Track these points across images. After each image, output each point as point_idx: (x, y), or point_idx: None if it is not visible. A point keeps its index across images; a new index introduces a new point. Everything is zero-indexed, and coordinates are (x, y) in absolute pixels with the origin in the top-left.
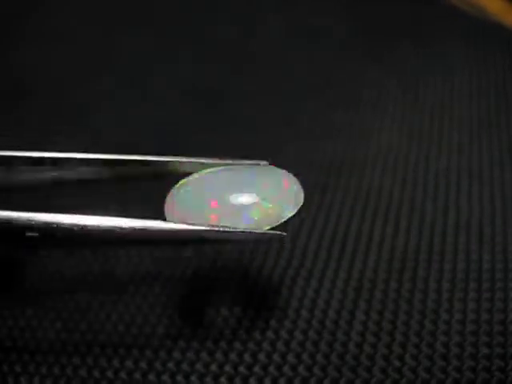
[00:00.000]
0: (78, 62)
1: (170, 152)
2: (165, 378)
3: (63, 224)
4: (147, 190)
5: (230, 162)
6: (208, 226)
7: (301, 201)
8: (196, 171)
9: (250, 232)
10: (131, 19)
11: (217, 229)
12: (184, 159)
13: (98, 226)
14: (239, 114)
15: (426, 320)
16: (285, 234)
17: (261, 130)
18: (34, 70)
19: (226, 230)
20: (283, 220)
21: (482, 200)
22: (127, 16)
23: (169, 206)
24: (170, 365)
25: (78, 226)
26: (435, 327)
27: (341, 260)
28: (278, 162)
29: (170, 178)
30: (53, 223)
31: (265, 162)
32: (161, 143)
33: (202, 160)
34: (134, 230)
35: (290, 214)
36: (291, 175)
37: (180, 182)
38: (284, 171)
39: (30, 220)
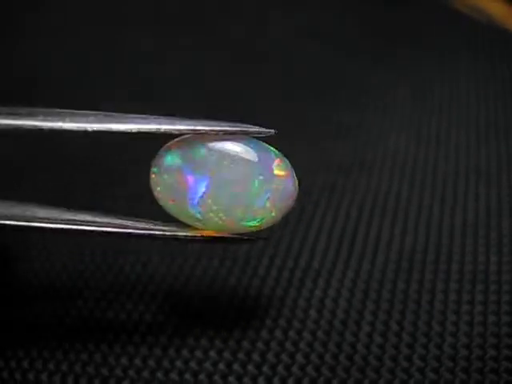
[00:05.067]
0: (78, 62)
1: None
2: (173, 375)
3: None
4: None
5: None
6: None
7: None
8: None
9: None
10: (138, 18)
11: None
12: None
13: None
14: (248, 113)
15: (433, 321)
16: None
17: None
18: (33, 70)
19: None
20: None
21: (489, 202)
22: (134, 14)
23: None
24: (179, 363)
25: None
26: (443, 328)
27: (349, 260)
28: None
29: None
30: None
31: (270, 131)
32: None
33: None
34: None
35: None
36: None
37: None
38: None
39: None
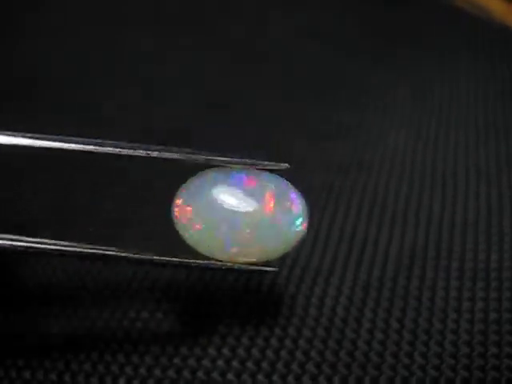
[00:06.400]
0: (78, 62)
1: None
2: (171, 373)
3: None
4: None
5: (248, 161)
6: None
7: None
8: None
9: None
10: (138, 18)
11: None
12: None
13: None
14: (248, 114)
15: (434, 318)
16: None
17: (270, 130)
18: (33, 70)
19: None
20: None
21: (489, 200)
22: (134, 14)
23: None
24: (177, 360)
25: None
26: (444, 325)
27: (348, 259)
28: (286, 162)
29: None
30: None
31: (285, 165)
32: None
33: (218, 158)
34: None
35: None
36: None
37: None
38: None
39: None
